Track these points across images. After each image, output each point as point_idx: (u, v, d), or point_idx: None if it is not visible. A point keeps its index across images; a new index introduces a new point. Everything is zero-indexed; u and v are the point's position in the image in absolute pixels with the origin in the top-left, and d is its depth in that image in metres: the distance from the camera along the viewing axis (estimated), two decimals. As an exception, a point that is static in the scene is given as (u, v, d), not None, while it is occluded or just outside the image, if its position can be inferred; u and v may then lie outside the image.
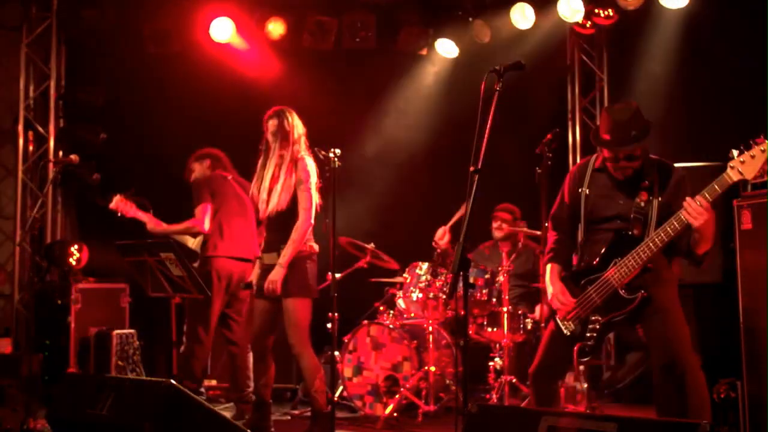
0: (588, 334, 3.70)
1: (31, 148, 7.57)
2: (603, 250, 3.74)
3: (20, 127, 7.48)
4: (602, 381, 7.27)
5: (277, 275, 4.68)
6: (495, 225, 6.53)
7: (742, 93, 6.37)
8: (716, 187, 3.44)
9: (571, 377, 5.89)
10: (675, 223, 3.51)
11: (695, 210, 3.43)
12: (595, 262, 3.77)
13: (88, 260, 7.22)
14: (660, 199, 3.67)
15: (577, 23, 7.27)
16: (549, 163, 5.32)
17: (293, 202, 4.77)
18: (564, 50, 7.99)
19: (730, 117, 6.41)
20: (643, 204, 3.68)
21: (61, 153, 7.54)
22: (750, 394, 4.53)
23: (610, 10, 7.05)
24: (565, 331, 3.79)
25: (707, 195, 3.44)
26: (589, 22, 7.27)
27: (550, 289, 3.86)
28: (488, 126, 3.28)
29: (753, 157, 3.37)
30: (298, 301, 4.75)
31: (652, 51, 7.26)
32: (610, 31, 7.63)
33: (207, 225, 5.36)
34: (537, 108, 7.51)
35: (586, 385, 5.85)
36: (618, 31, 7.45)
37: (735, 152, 3.42)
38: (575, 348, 3.70)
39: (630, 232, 3.68)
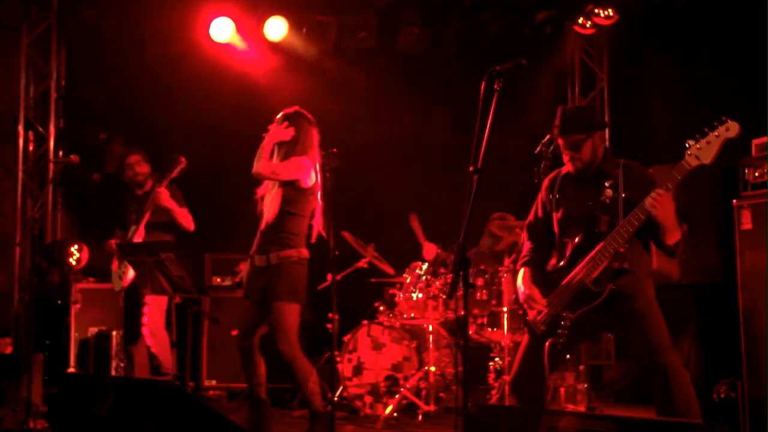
0: (559, 331, 3.73)
1: (31, 148, 7.57)
2: (571, 249, 3.80)
3: (20, 127, 7.48)
4: (602, 381, 7.27)
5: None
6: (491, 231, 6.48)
7: (742, 93, 6.37)
8: (675, 174, 3.54)
9: (572, 377, 5.89)
10: (638, 212, 3.60)
11: (655, 199, 3.52)
12: (563, 262, 3.83)
13: (88, 260, 7.22)
14: (624, 195, 3.75)
15: (577, 23, 7.27)
16: (548, 163, 5.33)
17: (283, 204, 4.75)
18: (564, 50, 8.00)
19: (730, 117, 6.40)
20: (608, 201, 3.75)
21: (61, 153, 7.54)
22: (750, 394, 4.53)
23: (610, 10, 7.05)
24: (536, 331, 3.83)
25: (668, 184, 3.54)
26: (589, 22, 7.28)
27: (521, 291, 3.93)
28: (488, 126, 3.28)
29: (709, 143, 3.49)
30: (287, 306, 4.72)
31: (652, 50, 7.27)
32: (610, 31, 7.64)
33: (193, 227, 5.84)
34: (537, 108, 7.52)
35: (586, 385, 5.85)
36: (618, 31, 7.45)
37: (691, 141, 3.52)
38: (546, 345, 3.72)
39: (596, 229, 3.74)
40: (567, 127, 3.82)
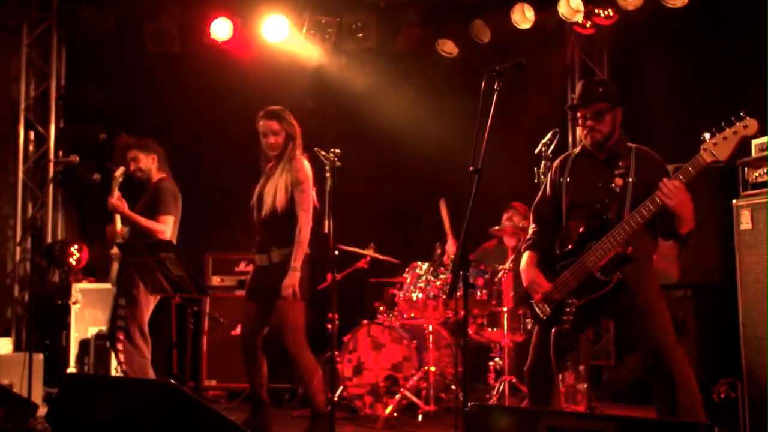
0: (564, 317, 3.71)
1: (31, 148, 7.57)
2: (578, 234, 3.77)
3: (20, 127, 7.48)
4: (602, 381, 7.27)
5: (293, 279, 4.71)
6: (507, 215, 6.46)
7: (742, 92, 6.37)
8: (690, 168, 3.47)
9: (572, 377, 5.90)
10: (650, 204, 3.54)
11: (670, 190, 3.45)
12: (570, 247, 3.80)
13: (88, 260, 7.22)
14: (635, 181, 3.70)
15: (577, 23, 7.27)
16: (548, 163, 5.33)
17: (290, 203, 4.77)
18: (564, 50, 8.00)
19: (730, 116, 6.40)
20: (618, 189, 3.72)
21: (61, 153, 7.54)
22: (750, 394, 4.53)
23: (610, 10, 7.05)
24: (541, 315, 3.81)
25: (681, 176, 3.47)
26: (589, 22, 7.27)
27: (524, 275, 3.89)
28: (488, 126, 3.28)
29: (725, 138, 3.40)
30: (292, 304, 4.75)
31: (652, 51, 7.26)
32: (610, 31, 7.64)
33: (168, 236, 5.31)
34: (537, 108, 7.51)
35: (586, 385, 5.85)
36: (618, 31, 7.45)
37: (707, 135, 3.44)
38: (552, 331, 3.70)
39: (605, 216, 3.70)
40: (591, 96, 3.77)
